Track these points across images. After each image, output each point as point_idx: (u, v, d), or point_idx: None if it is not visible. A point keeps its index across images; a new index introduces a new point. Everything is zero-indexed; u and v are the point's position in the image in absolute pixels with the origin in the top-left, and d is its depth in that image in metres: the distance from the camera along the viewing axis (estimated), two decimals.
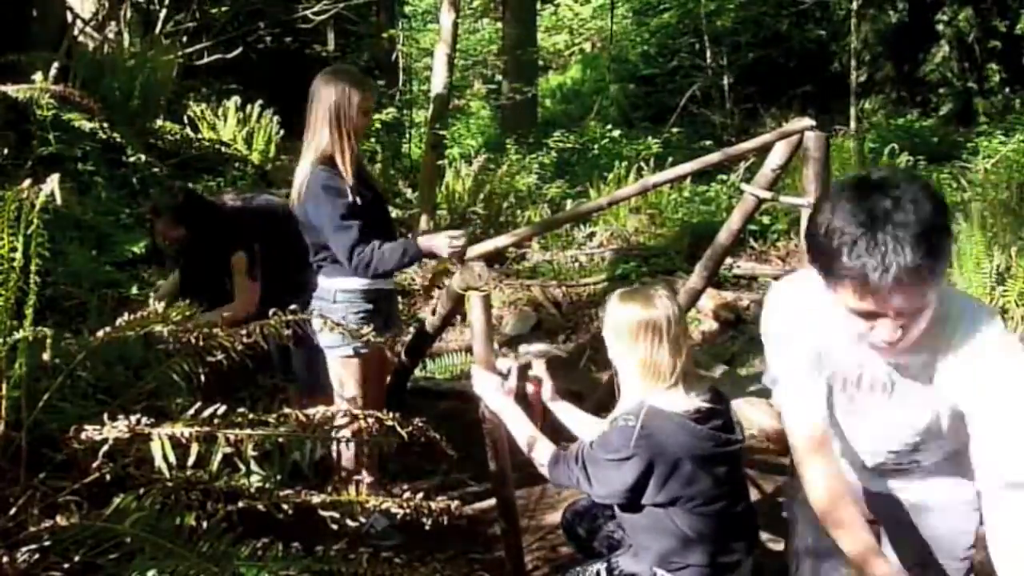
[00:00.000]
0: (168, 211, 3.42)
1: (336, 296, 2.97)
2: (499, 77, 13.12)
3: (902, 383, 1.75)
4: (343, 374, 3.06)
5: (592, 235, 6.99)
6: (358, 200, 2.89)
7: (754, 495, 3.50)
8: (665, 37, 13.81)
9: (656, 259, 6.20)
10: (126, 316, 2.03)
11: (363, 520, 1.99)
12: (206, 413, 1.88)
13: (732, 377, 4.51)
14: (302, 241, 3.17)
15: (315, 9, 8.94)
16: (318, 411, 2.00)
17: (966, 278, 4.50)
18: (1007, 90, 11.05)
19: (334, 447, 2.90)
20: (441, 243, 2.89)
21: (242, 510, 1.94)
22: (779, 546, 2.75)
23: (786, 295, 1.88)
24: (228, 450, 1.84)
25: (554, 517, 3.32)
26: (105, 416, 1.86)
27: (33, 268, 1.90)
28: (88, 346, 2.06)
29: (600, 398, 4.26)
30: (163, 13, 7.88)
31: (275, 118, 7.26)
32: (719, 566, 2.15)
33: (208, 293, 3.39)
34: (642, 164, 8.05)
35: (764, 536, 3.14)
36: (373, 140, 8.26)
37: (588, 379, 4.86)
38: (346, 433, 2.04)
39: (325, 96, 2.90)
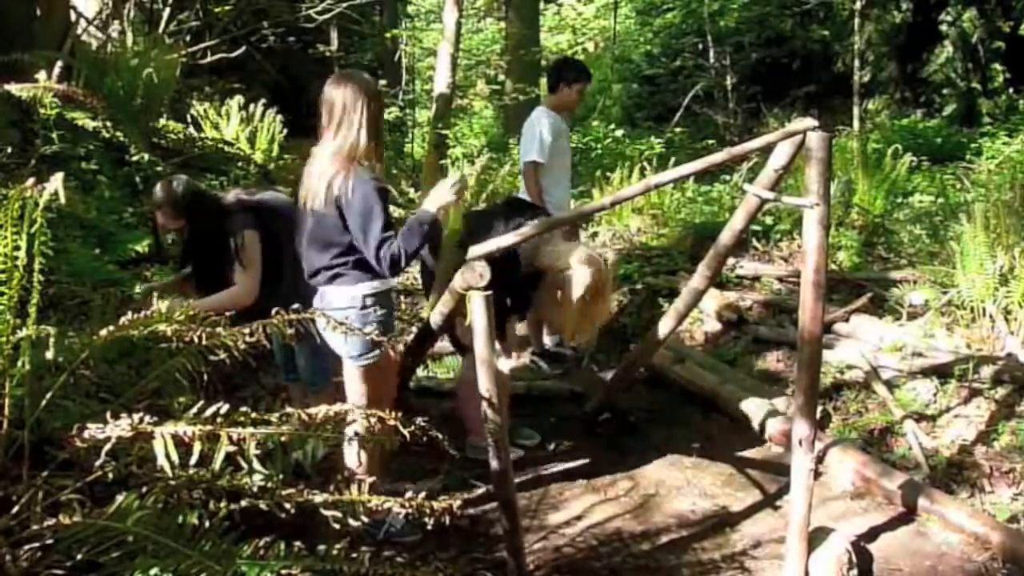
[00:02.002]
0: (168, 202, 3.40)
1: (365, 301, 2.86)
2: (502, 77, 13.11)
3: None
4: (368, 381, 2.96)
5: (595, 235, 6.99)
6: None
7: (754, 495, 3.50)
8: (668, 37, 13.81)
9: (659, 259, 6.19)
10: (129, 315, 2.04)
11: (365, 520, 1.99)
12: (209, 412, 1.88)
13: (734, 377, 4.51)
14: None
15: (318, 8, 8.95)
16: (320, 410, 2.00)
17: (969, 279, 4.49)
18: (1011, 91, 11.04)
19: (346, 450, 2.87)
20: (444, 195, 2.93)
21: (244, 509, 1.94)
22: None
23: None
24: (231, 449, 1.84)
25: (556, 517, 3.32)
26: (108, 415, 1.86)
27: (36, 266, 1.91)
28: (91, 345, 2.06)
29: (601, 398, 4.27)
30: (166, 12, 7.89)
31: (278, 117, 7.26)
32: None
33: (215, 284, 3.38)
34: (645, 164, 8.05)
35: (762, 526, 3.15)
36: None
37: (590, 379, 4.87)
38: (355, 431, 2.04)
39: (354, 98, 2.81)
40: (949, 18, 11.25)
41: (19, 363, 1.95)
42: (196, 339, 2.06)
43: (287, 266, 3.30)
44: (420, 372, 4.50)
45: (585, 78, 4.83)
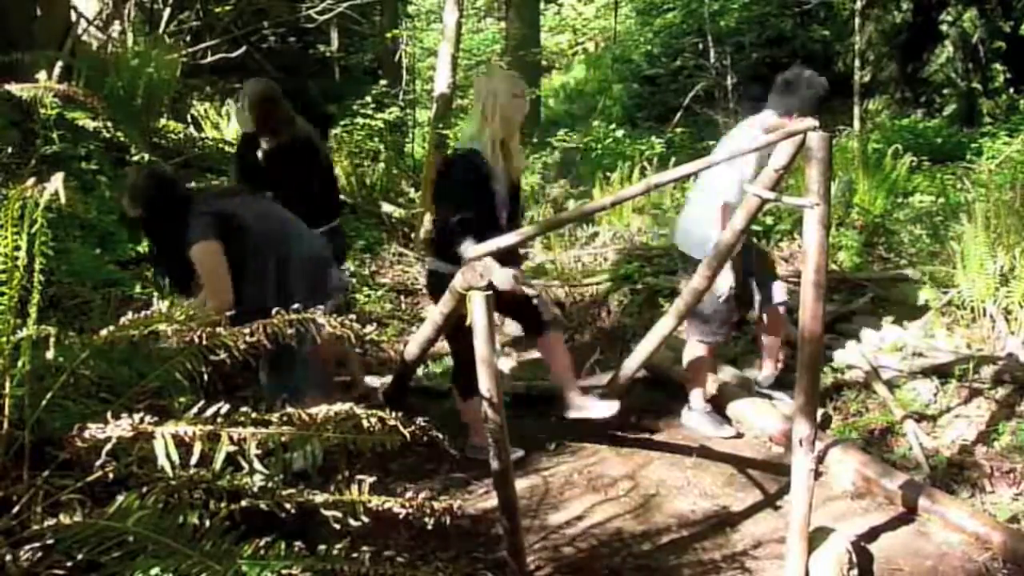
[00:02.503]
0: (127, 189, 3.33)
1: None
2: None
3: None
4: None
5: (595, 235, 6.98)
6: None
7: (755, 495, 3.50)
8: (669, 37, 13.80)
9: (659, 259, 6.19)
10: (129, 315, 2.04)
11: (364, 520, 1.98)
12: (209, 412, 1.88)
13: (736, 378, 4.50)
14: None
15: (318, 8, 8.95)
16: (320, 410, 2.00)
17: (969, 279, 4.49)
18: (1011, 91, 11.02)
19: None
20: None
21: (244, 509, 1.94)
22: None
23: None
24: (231, 449, 1.84)
25: (556, 517, 3.32)
26: (108, 415, 1.86)
27: (37, 266, 1.91)
28: (91, 345, 2.06)
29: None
30: (167, 12, 7.89)
31: None
32: None
33: (174, 273, 3.35)
34: (645, 164, 8.04)
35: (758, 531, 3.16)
36: (376, 139, 8.27)
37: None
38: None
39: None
40: (949, 18, 11.23)
41: (19, 363, 1.95)
42: (196, 339, 2.06)
43: (269, 267, 3.30)
44: (420, 372, 4.50)
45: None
